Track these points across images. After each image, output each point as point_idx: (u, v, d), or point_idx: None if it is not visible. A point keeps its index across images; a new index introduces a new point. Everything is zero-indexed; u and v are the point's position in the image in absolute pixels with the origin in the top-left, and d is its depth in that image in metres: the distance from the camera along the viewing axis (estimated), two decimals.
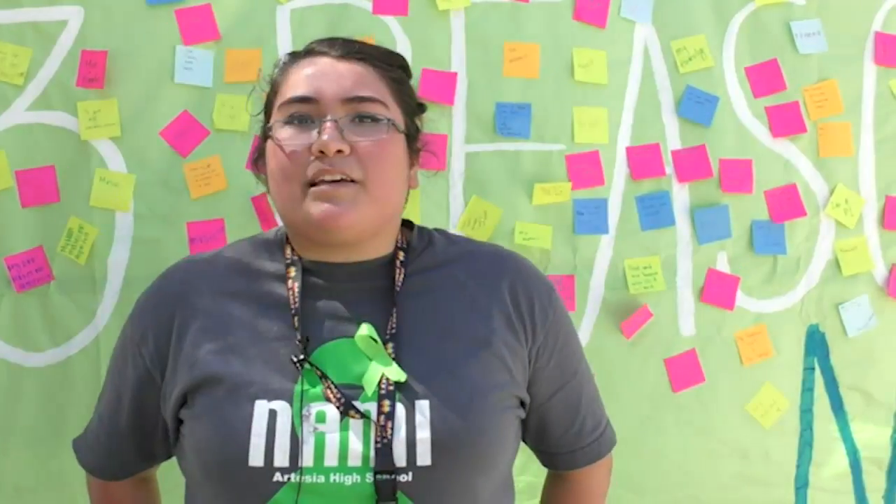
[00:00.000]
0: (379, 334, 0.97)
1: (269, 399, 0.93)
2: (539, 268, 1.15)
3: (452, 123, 1.56)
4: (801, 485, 1.65)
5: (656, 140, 1.61)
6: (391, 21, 1.55)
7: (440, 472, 0.92)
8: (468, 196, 1.56)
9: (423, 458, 0.91)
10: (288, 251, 1.04)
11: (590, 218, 1.58)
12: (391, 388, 0.93)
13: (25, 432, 1.45)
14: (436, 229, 1.12)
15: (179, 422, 0.99)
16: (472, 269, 1.06)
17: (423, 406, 0.93)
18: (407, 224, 1.11)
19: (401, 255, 1.04)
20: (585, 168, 1.58)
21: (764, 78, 1.64)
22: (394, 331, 0.98)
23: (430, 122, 1.52)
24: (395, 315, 0.99)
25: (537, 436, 1.10)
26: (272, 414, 0.92)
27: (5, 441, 1.45)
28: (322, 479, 0.90)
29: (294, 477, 0.90)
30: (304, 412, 0.92)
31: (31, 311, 1.46)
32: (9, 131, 1.47)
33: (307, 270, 1.02)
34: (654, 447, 1.60)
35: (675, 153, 1.61)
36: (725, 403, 1.62)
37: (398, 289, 1.01)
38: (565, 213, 1.58)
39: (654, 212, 1.60)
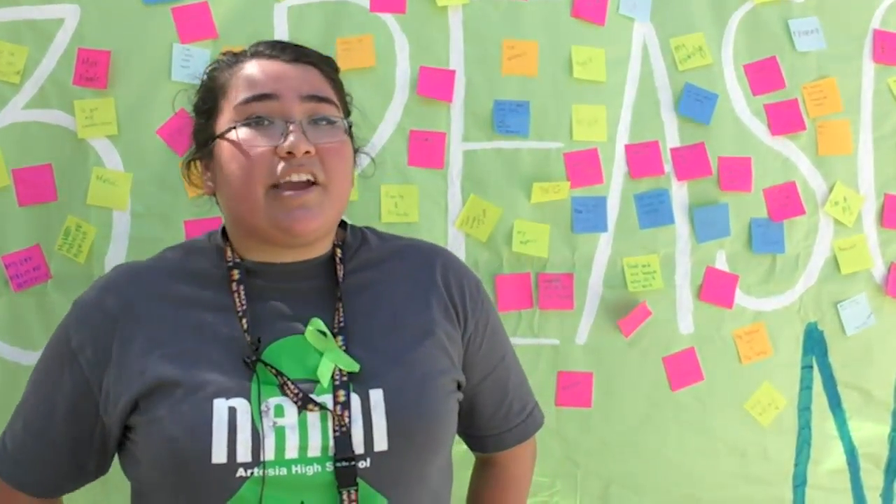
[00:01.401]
0: (327, 327, 1.00)
1: (228, 397, 0.94)
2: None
3: (451, 121, 1.56)
4: (800, 483, 1.65)
5: (655, 138, 1.61)
6: (389, 18, 1.54)
7: (396, 456, 0.95)
8: (466, 194, 1.56)
9: (380, 443, 0.95)
10: (228, 253, 1.05)
11: (588, 216, 1.58)
12: (345, 378, 0.97)
13: None
14: (366, 227, 1.16)
15: (126, 430, 0.99)
16: (407, 263, 1.10)
17: (377, 394, 0.96)
18: (340, 223, 1.13)
19: (338, 252, 1.08)
20: (584, 166, 1.58)
21: (763, 75, 1.64)
22: (342, 324, 1.01)
23: (429, 119, 1.54)
24: (341, 309, 1.02)
25: (467, 419, 1.14)
26: (232, 411, 0.93)
27: None
28: (284, 471, 0.92)
29: (257, 471, 0.92)
30: (263, 407, 0.94)
31: (28, 309, 1.45)
32: (5, 130, 1.46)
33: (249, 272, 1.04)
34: (652, 446, 1.60)
35: (673, 151, 1.61)
36: (724, 402, 1.62)
37: (341, 284, 1.04)
38: (564, 212, 1.58)
39: (652, 210, 1.59)
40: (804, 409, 1.64)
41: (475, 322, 1.10)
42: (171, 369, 0.96)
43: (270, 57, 1.04)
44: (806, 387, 1.64)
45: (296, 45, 1.08)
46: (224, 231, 1.09)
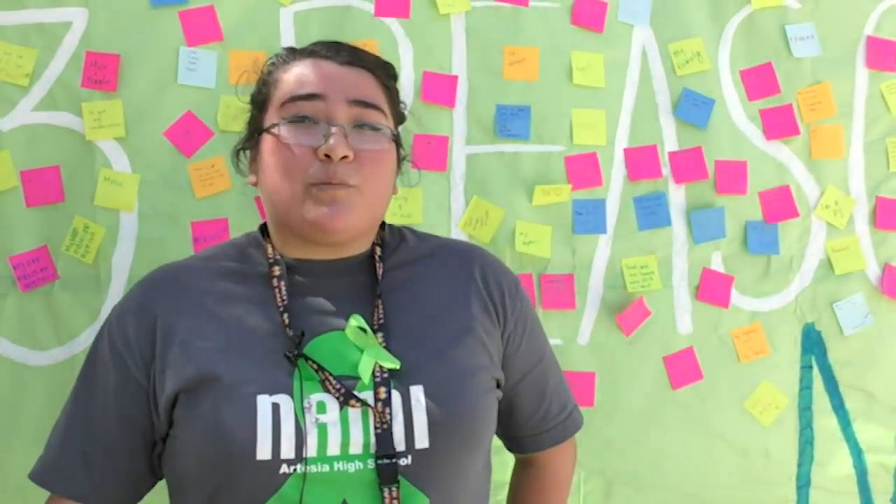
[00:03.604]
0: (368, 325, 0.99)
1: (271, 393, 0.93)
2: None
3: (453, 125, 1.58)
4: (803, 484, 1.66)
5: (653, 142, 1.63)
6: (393, 23, 1.56)
7: (437, 453, 0.94)
8: (469, 196, 1.57)
9: (421, 440, 0.94)
10: (269, 250, 1.05)
11: (588, 218, 1.60)
12: (385, 375, 0.96)
13: (30, 431, 1.43)
14: (405, 226, 1.16)
15: (169, 425, 0.98)
16: (446, 262, 1.10)
17: (417, 391, 0.95)
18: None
19: (378, 250, 1.07)
20: (584, 169, 1.60)
21: (759, 81, 1.66)
22: (381, 321, 1.01)
23: (432, 123, 1.56)
24: (380, 306, 1.02)
25: (506, 418, 1.13)
26: (275, 407, 0.92)
27: (9, 440, 1.45)
28: (326, 468, 0.92)
29: (300, 468, 0.91)
30: (305, 404, 0.93)
31: (35, 310, 1.46)
32: (14, 132, 1.47)
33: (290, 268, 1.04)
34: (654, 445, 1.61)
35: (671, 155, 1.63)
36: (724, 401, 1.63)
37: (380, 281, 1.04)
38: (564, 214, 1.60)
39: (650, 212, 1.61)
40: (805, 409, 1.66)
41: (514, 321, 1.09)
42: (212, 363, 0.95)
43: (325, 57, 1.04)
44: (806, 387, 1.66)
45: (353, 48, 1.08)
46: (262, 230, 1.10)
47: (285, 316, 0.99)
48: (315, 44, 1.08)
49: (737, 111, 1.66)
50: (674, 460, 1.62)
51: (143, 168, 1.49)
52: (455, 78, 1.57)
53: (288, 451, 0.91)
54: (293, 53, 1.08)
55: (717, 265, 1.64)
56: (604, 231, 1.60)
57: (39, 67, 1.48)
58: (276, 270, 1.03)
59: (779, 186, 1.66)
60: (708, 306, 1.63)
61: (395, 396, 0.95)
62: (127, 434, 1.00)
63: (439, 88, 1.57)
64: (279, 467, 0.91)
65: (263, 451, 0.90)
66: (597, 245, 1.61)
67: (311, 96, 1.00)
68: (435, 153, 1.57)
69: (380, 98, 1.05)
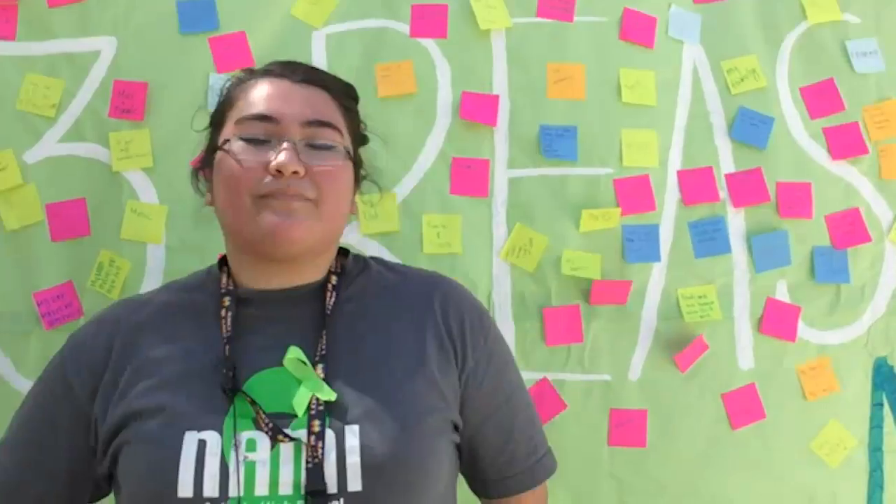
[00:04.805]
0: (308, 357, 0.97)
1: (199, 429, 0.92)
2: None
3: (495, 147, 1.51)
4: None
5: (709, 163, 1.55)
6: (430, 44, 1.51)
7: (372, 497, 0.90)
8: (512, 223, 1.50)
9: (354, 483, 0.90)
10: (224, 280, 1.05)
11: (640, 245, 1.51)
12: (321, 408, 0.93)
13: None
14: (372, 257, 1.14)
15: (113, 461, 0.98)
16: (407, 294, 1.07)
17: (352, 430, 0.92)
18: (342, 251, 1.12)
19: (333, 279, 1.06)
20: (635, 193, 1.52)
21: (820, 98, 1.58)
22: (324, 352, 0.98)
23: (472, 146, 1.49)
24: (324, 337, 0.99)
25: (469, 461, 1.09)
26: (201, 444, 0.91)
27: None
28: None
29: None
30: (234, 441, 0.91)
31: (60, 347, 1.41)
32: (40, 164, 1.45)
33: (242, 300, 1.03)
34: (712, 488, 1.51)
35: (728, 177, 1.54)
36: (788, 441, 1.52)
37: (328, 311, 1.02)
38: (615, 241, 1.51)
39: (708, 238, 1.53)
40: (875, 450, 1.54)
41: (476, 359, 1.05)
42: (150, 399, 0.95)
43: (280, 76, 1.05)
44: (877, 426, 1.54)
45: (309, 67, 1.08)
46: (224, 259, 1.10)
47: (227, 349, 0.99)
48: (272, 63, 1.09)
49: (798, 130, 1.57)
50: None
51: (170, 199, 1.46)
52: (496, 98, 1.51)
53: (211, 489, 0.89)
54: (251, 73, 1.09)
55: (782, 295, 1.54)
56: (657, 259, 1.52)
57: (66, 98, 1.47)
58: (226, 302, 1.03)
59: (847, 209, 1.56)
60: (771, 339, 1.52)
61: (329, 435, 0.92)
62: (71, 461, 1.01)
63: (480, 108, 1.50)
64: None
65: (185, 489, 0.89)
66: (650, 274, 1.52)
67: (263, 117, 1.01)
68: (475, 177, 1.50)
69: (335, 117, 1.05)
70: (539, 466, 1.12)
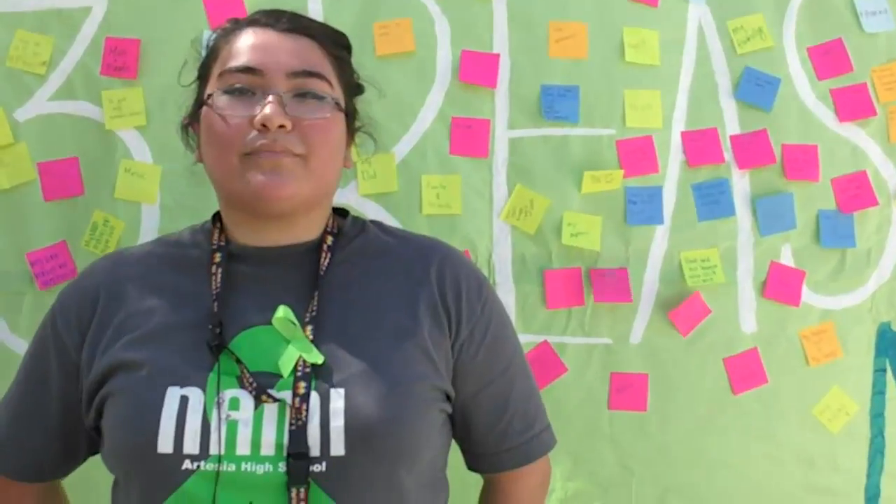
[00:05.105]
0: (298, 317, 0.95)
1: (182, 385, 0.91)
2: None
3: (495, 108, 1.49)
4: (872, 495, 1.54)
5: (713, 124, 1.52)
6: (429, 1, 1.48)
7: (355, 463, 0.89)
8: (512, 185, 1.48)
9: (337, 447, 0.88)
10: (216, 236, 1.03)
11: (643, 207, 1.49)
12: (307, 370, 0.92)
13: None
14: (372, 221, 1.11)
15: (98, 411, 0.98)
16: (403, 259, 1.04)
17: (338, 394, 0.90)
18: (341, 213, 1.10)
19: (329, 239, 1.03)
20: (638, 154, 1.49)
21: (828, 58, 1.54)
22: (314, 313, 0.96)
23: (472, 106, 1.46)
24: (315, 298, 0.97)
25: (462, 433, 1.06)
26: (183, 400, 0.90)
27: None
28: (233, 467, 0.88)
29: (203, 465, 0.88)
30: (218, 399, 0.90)
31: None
32: (31, 122, 1.43)
33: (233, 256, 1.01)
34: (712, 453, 1.51)
35: (733, 138, 1.52)
36: (790, 407, 1.52)
37: (322, 272, 1.00)
38: (617, 203, 1.49)
39: (712, 201, 1.50)
40: (877, 416, 1.53)
41: (471, 328, 1.01)
42: (134, 351, 0.94)
43: (265, 25, 1.01)
44: (879, 392, 1.53)
45: (295, 15, 1.04)
46: (218, 215, 1.07)
47: (215, 305, 0.97)
48: (257, 12, 1.04)
49: (805, 91, 1.54)
50: (733, 469, 1.51)
51: (165, 159, 1.43)
52: (496, 56, 1.48)
53: (192, 446, 0.88)
54: (235, 24, 1.04)
55: (786, 259, 1.52)
56: (660, 221, 1.49)
57: (57, 55, 1.44)
58: (217, 258, 1.01)
59: (854, 172, 1.53)
60: (775, 304, 1.51)
61: (314, 398, 0.90)
62: (64, 414, 1.01)
63: (479, 68, 1.47)
64: (181, 462, 0.88)
65: (165, 444, 0.88)
66: (652, 237, 1.50)
67: (246, 69, 0.97)
68: (475, 138, 1.47)
69: (324, 66, 1.00)
70: (535, 442, 1.08)
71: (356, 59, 1.11)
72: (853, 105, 1.53)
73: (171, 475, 0.88)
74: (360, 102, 1.12)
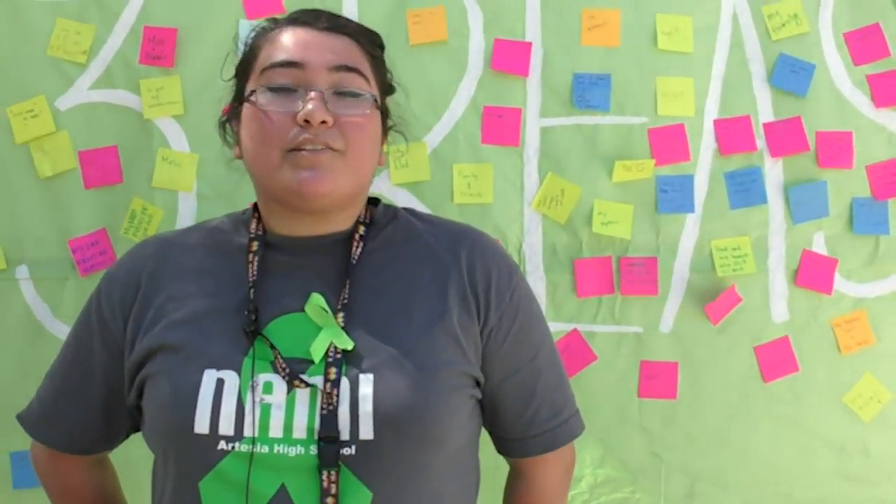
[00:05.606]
0: (330, 305, 0.98)
1: (218, 368, 0.94)
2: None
3: (527, 96, 1.49)
4: None
5: (747, 112, 1.51)
6: None
7: (383, 447, 0.92)
8: (543, 173, 1.48)
9: (366, 432, 0.91)
10: (253, 225, 1.06)
11: (674, 196, 1.49)
12: (338, 356, 0.94)
13: None
14: (404, 208, 1.13)
15: (139, 391, 1.01)
16: (433, 244, 1.06)
17: (367, 379, 0.93)
18: (372, 201, 1.12)
19: (361, 228, 1.06)
20: (670, 142, 1.49)
21: (865, 44, 1.52)
22: (346, 301, 0.99)
23: (504, 95, 1.47)
24: (347, 285, 1.00)
25: (490, 419, 1.08)
26: (219, 383, 0.93)
27: None
28: (266, 449, 0.91)
29: (238, 446, 0.91)
30: (252, 382, 0.93)
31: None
32: (72, 111, 1.45)
33: (270, 245, 1.04)
34: (742, 440, 1.51)
35: (767, 126, 1.51)
36: (821, 394, 1.51)
37: (354, 261, 1.02)
38: (648, 191, 1.49)
39: (744, 189, 1.50)
40: None
41: (499, 316, 1.03)
42: (174, 334, 0.98)
43: (305, 24, 1.03)
44: None
45: (333, 15, 1.07)
46: (256, 205, 1.10)
47: (251, 291, 0.99)
48: (296, 12, 1.07)
49: (841, 77, 1.52)
50: (763, 457, 1.52)
51: (201, 147, 1.46)
52: (529, 45, 1.48)
53: (227, 427, 0.91)
54: (275, 23, 1.07)
55: (818, 247, 1.51)
56: (691, 210, 1.49)
57: (97, 44, 1.46)
58: (254, 246, 1.04)
59: (889, 159, 1.52)
60: (807, 292, 1.50)
61: (344, 383, 0.93)
62: (107, 392, 1.05)
63: (512, 56, 1.47)
64: (217, 443, 0.91)
65: (201, 425, 0.91)
66: (683, 225, 1.50)
67: (288, 63, 0.99)
68: (507, 126, 1.48)
69: (362, 64, 1.03)
70: (562, 429, 1.09)
71: (390, 49, 1.12)
72: (890, 91, 1.52)
73: (208, 455, 0.91)
74: (393, 99, 1.14)
